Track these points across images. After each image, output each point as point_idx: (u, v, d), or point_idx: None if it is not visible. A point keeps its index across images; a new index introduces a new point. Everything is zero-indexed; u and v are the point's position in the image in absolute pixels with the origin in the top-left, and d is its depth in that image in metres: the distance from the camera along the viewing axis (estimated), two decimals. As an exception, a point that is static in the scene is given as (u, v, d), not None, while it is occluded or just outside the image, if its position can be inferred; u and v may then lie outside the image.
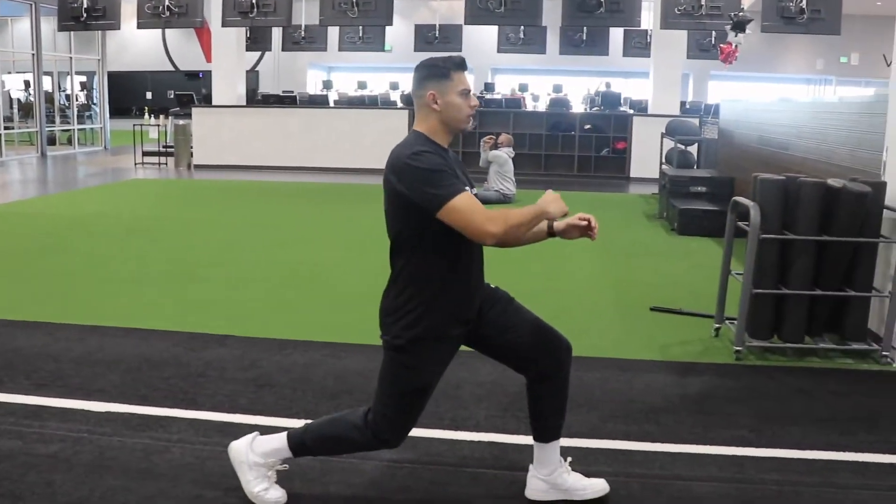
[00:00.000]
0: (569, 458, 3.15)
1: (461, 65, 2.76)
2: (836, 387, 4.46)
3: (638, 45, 20.64)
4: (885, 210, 4.83)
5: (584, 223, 2.86)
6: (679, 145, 11.44)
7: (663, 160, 11.96)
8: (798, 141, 7.49)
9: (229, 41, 15.88)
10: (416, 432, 3.65)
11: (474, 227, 2.57)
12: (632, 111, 16.57)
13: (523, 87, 24.25)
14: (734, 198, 5.07)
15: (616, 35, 21.07)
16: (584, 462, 3.35)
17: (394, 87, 23.82)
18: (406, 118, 15.35)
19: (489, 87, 23.78)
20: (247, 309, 5.85)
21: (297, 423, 3.18)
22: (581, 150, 15.18)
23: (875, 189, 4.75)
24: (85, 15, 15.43)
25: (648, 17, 16.57)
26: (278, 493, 3.00)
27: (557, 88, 24.09)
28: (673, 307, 5.80)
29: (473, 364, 4.61)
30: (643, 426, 3.85)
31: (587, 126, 15.23)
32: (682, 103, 18.15)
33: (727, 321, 5.19)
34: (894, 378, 4.66)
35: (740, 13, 11.53)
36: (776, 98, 9.72)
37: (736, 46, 11.47)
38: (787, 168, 7.57)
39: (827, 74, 26.98)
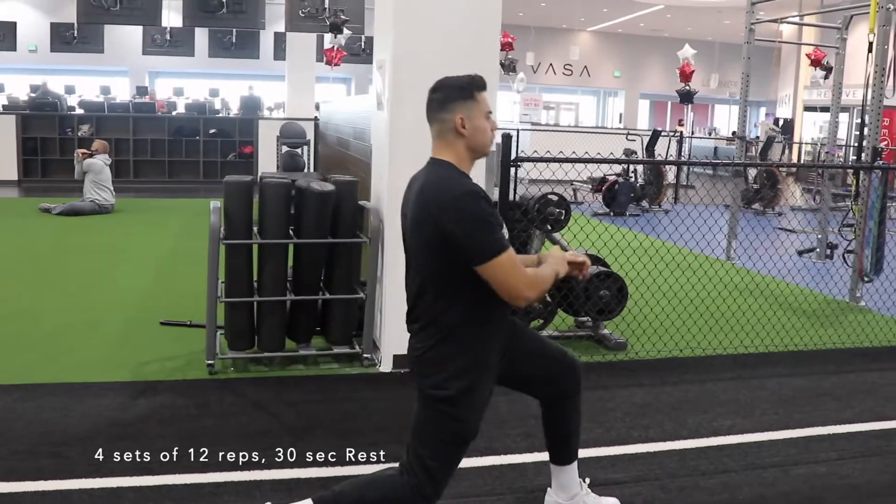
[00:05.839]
0: (587, 479, 3.05)
1: (484, 85, 2.57)
2: (295, 396, 4.25)
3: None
4: (368, 209, 4.74)
5: (578, 263, 2.75)
6: (288, 148, 11.22)
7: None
8: (355, 142, 7.43)
9: None
10: None
11: (511, 289, 2.41)
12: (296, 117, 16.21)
13: (178, 91, 23.14)
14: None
15: (267, 38, 20.74)
16: None
17: (34, 89, 21.76)
18: (13, 123, 13.91)
19: (141, 92, 22.42)
20: None
21: None
22: (207, 156, 14.57)
23: (343, 187, 4.64)
24: None
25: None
26: None
27: (214, 92, 23.26)
28: (184, 320, 5.39)
29: None
30: (38, 462, 3.38)
31: (212, 130, 14.65)
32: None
33: (220, 332, 4.87)
34: (368, 381, 4.55)
35: (336, 16, 11.53)
36: (345, 100, 9.76)
37: (337, 49, 11.44)
38: (348, 169, 7.50)
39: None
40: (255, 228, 4.62)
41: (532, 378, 2.87)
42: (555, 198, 5.15)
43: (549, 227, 5.15)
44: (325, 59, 12.21)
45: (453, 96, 2.53)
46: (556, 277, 2.63)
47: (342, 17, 11.75)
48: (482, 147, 2.57)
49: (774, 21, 8.25)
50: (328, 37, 11.45)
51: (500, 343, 2.61)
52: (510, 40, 13.04)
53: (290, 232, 4.66)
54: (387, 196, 4.56)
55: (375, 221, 4.60)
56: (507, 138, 4.71)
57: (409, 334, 2.59)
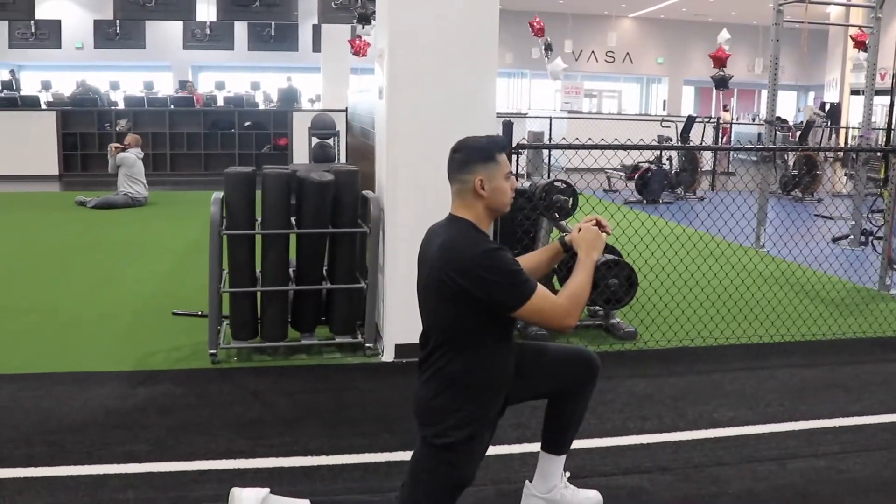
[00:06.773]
0: (567, 473, 2.98)
1: (506, 146, 2.66)
2: (294, 385, 4.27)
3: (327, 40, 20.52)
4: (371, 199, 4.72)
5: (594, 224, 2.76)
6: (318, 139, 11.28)
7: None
8: (373, 131, 7.43)
9: None
10: None
11: (552, 323, 2.52)
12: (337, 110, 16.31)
13: (220, 85, 23.42)
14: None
15: (305, 30, 20.85)
16: None
17: (79, 85, 22.20)
18: (54, 119, 14.18)
19: (183, 85, 22.70)
20: None
21: None
22: (242, 148, 14.71)
23: (343, 177, 4.63)
24: None
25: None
26: None
27: (255, 85, 23.55)
28: (196, 310, 5.43)
29: None
30: (31, 449, 3.44)
31: (247, 123, 14.78)
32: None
33: (227, 322, 4.90)
34: (369, 370, 4.54)
35: (364, 6, 11.50)
36: (366, 90, 9.76)
37: (364, 39, 11.43)
38: (369, 158, 7.50)
39: (521, 68, 28.38)
40: (258, 220, 4.65)
41: (550, 391, 2.88)
42: (561, 184, 5.08)
43: (556, 215, 5.07)
44: (351, 50, 12.23)
45: (474, 158, 2.55)
46: (592, 269, 2.64)
47: (370, 7, 11.72)
48: (501, 207, 2.61)
49: (801, 2, 8.06)
50: (358, 27, 11.50)
51: (509, 379, 2.64)
52: (541, 25, 12.90)
53: (293, 222, 4.67)
54: (386, 184, 4.54)
55: (376, 211, 4.58)
56: (507, 126, 4.67)
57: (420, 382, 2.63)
